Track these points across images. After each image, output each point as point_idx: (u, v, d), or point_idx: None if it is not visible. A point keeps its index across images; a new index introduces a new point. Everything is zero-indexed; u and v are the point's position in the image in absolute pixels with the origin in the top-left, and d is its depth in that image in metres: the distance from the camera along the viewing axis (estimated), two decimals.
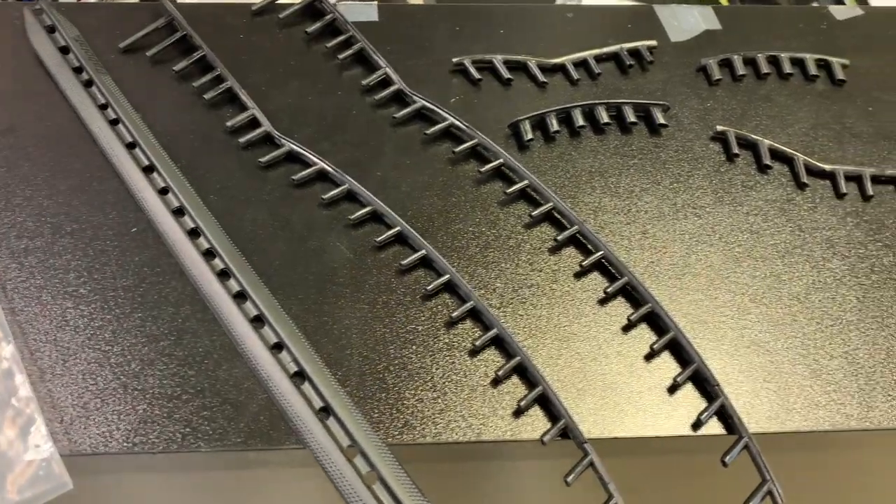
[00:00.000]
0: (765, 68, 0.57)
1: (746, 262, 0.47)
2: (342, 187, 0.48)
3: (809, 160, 0.52)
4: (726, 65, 0.57)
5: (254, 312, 0.43)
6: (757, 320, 0.45)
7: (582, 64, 0.57)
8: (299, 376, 0.41)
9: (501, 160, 0.50)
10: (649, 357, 0.43)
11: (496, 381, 0.42)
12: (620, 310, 0.45)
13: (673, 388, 0.43)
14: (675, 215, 0.49)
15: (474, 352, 0.43)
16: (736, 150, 0.52)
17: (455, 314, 0.43)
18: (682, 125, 0.54)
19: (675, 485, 0.45)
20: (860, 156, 0.53)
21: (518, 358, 0.42)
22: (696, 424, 0.41)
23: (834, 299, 0.46)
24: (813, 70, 0.57)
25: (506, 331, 0.43)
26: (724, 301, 0.46)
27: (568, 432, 0.40)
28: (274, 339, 0.42)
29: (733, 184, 0.51)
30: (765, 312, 0.45)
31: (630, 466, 0.43)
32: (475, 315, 0.44)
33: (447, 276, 0.44)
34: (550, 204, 0.48)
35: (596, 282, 0.46)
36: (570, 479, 0.38)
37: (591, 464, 0.39)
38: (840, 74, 0.57)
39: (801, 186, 0.51)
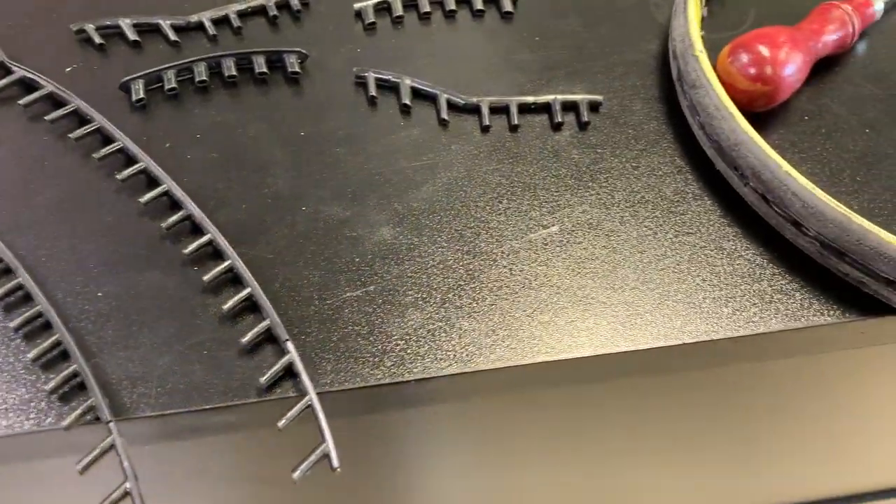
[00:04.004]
0: (426, 8, 0.52)
1: (356, 208, 0.42)
2: None
3: (453, 96, 0.47)
4: (385, 9, 0.53)
5: None
6: (356, 267, 0.40)
7: (225, 20, 0.52)
8: None
9: (96, 124, 0.44)
10: (231, 319, 0.38)
11: (38, 364, 0.36)
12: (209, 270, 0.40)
13: (250, 351, 0.37)
14: (298, 165, 0.44)
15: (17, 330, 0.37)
16: (374, 92, 0.47)
17: None
18: (327, 73, 0.49)
19: (251, 460, 0.40)
20: (518, 87, 0.49)
21: (56, 336, 0.36)
22: (262, 389, 0.36)
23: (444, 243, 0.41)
24: (479, 5, 0.53)
25: (48, 305, 0.37)
26: (322, 251, 0.41)
27: (96, 412, 0.34)
28: None
29: (370, 128, 0.46)
30: (357, 255, 0.40)
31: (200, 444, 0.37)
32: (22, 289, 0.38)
33: None
34: (142, 164, 0.43)
35: (184, 243, 0.41)
36: (79, 465, 0.33)
37: (113, 446, 0.33)
38: (508, 6, 0.53)
39: (443, 123, 0.47)
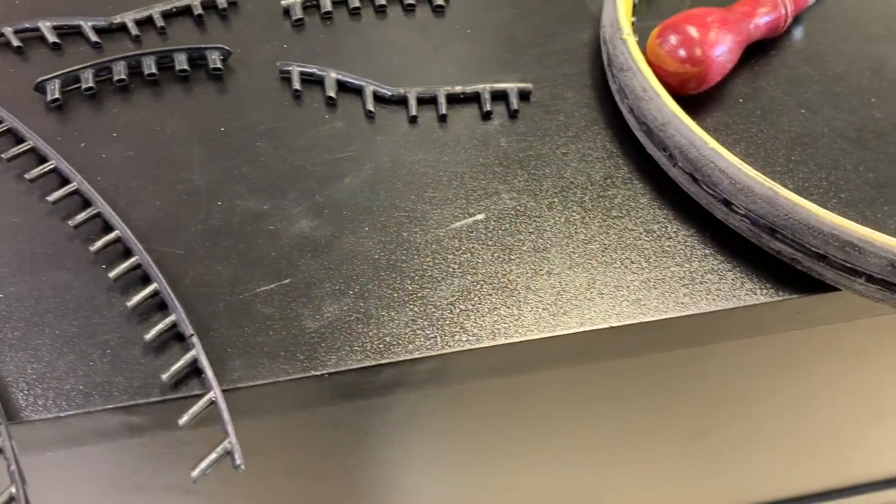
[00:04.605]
0: (355, 3, 0.52)
1: (274, 202, 0.41)
2: None
3: (380, 88, 0.46)
4: (314, 6, 0.52)
5: None
6: (272, 260, 0.38)
7: (149, 21, 0.50)
8: None
9: (7, 124, 0.43)
10: (137, 317, 0.36)
11: None
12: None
13: (156, 350, 0.35)
14: (215, 161, 0.43)
15: None
16: (298, 86, 0.46)
17: None
18: (251, 70, 0.48)
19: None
20: (448, 78, 0.48)
21: None
22: (166, 387, 0.34)
23: (357, 233, 0.40)
24: (410, 0, 0.52)
25: None
26: (235, 245, 0.39)
27: None
28: None
29: (294, 122, 0.45)
30: (273, 249, 0.39)
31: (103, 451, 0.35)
32: None
33: None
34: (52, 163, 0.41)
35: (93, 242, 0.39)
36: None
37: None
38: (440, 0, 0.52)
39: (369, 115, 0.45)
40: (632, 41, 0.44)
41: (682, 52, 0.44)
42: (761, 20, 0.48)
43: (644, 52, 0.45)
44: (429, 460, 0.49)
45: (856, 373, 0.52)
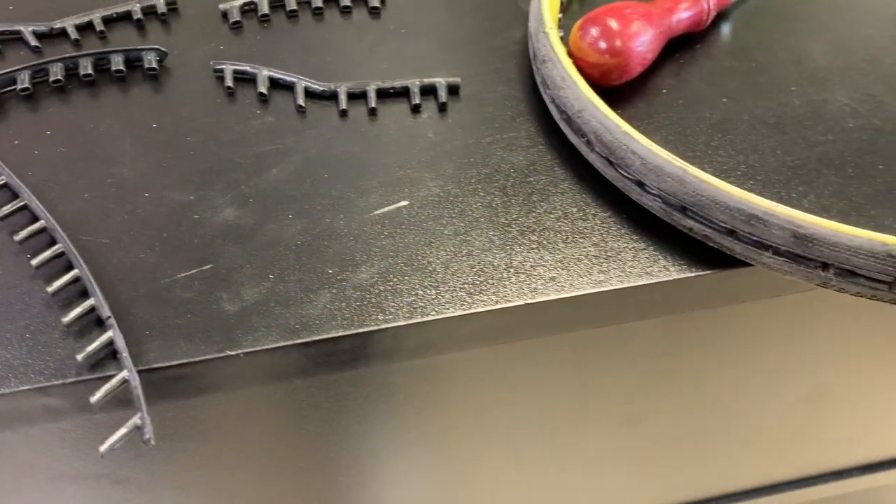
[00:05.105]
0: (292, 6, 0.53)
1: (201, 193, 0.42)
2: None
3: (311, 83, 0.47)
4: (252, 9, 0.53)
5: None
6: (194, 248, 0.39)
7: (89, 26, 0.52)
8: None
9: None
10: (59, 303, 0.37)
11: None
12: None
13: (77, 334, 0.36)
14: (145, 155, 0.44)
15: None
16: (230, 83, 0.47)
17: None
18: (187, 70, 0.49)
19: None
20: (380, 74, 0.49)
21: None
22: (81, 368, 0.34)
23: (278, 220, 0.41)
24: (346, 2, 0.53)
25: None
26: (159, 234, 0.40)
27: None
28: None
29: (225, 118, 0.46)
30: (196, 237, 0.39)
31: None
32: None
33: None
34: None
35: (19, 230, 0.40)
36: None
37: None
38: (375, 2, 0.53)
39: (300, 110, 0.46)
40: (553, 34, 0.46)
41: (602, 44, 0.45)
42: (683, 14, 0.49)
43: (567, 45, 0.46)
44: (358, 445, 0.49)
45: (787, 357, 0.52)
